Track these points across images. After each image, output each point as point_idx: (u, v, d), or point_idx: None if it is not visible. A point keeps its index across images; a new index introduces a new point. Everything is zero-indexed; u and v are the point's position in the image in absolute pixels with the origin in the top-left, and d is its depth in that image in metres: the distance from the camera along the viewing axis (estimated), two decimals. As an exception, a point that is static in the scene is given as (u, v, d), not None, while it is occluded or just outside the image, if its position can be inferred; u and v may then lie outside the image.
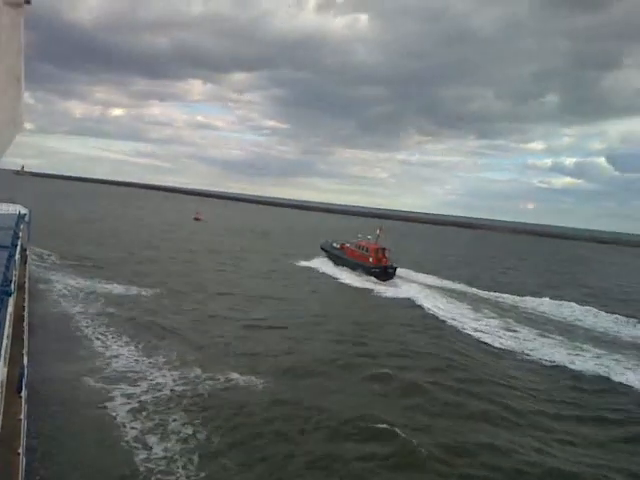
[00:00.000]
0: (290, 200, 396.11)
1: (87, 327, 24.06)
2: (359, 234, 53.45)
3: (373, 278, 45.97)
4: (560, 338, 30.48)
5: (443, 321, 31.81)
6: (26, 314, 18.45)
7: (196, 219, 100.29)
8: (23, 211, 32.99)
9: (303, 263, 53.88)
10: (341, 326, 29.20)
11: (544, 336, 30.63)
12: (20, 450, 9.68)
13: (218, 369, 19.73)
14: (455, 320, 32.28)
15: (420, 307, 35.18)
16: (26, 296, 21.29)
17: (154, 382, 18.24)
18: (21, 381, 11.90)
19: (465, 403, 18.58)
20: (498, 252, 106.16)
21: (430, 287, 44.44)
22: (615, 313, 38.94)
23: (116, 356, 20.76)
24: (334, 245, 56.59)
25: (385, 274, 46.32)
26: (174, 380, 18.48)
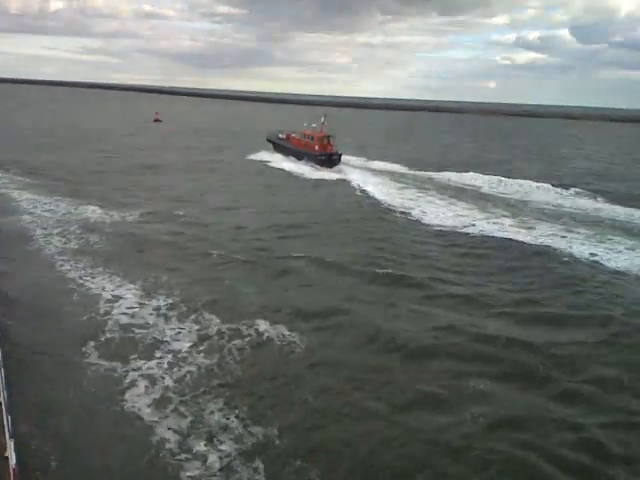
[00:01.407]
0: (247, 92, 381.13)
1: (67, 262, 21.09)
2: (304, 123, 54.22)
3: (318, 165, 47.65)
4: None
5: (375, 199, 36.18)
6: None
7: (155, 120, 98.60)
8: None
9: (251, 157, 54.28)
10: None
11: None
12: (1, 399, 9.55)
13: (236, 315, 16.54)
14: (384, 197, 36.57)
15: (362, 191, 38.71)
16: None
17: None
18: None
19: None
20: (460, 136, 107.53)
21: (375, 172, 47.21)
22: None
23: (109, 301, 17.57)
24: (280, 136, 57.00)
25: (330, 161, 48.06)
26: (194, 344, 14.79)
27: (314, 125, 53.01)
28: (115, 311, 16.69)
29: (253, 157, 53.95)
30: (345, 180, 42.37)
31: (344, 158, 50.40)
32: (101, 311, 16.70)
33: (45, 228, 25.50)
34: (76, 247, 23.04)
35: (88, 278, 19.40)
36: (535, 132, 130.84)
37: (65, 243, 23.50)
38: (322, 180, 42.43)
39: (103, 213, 28.71)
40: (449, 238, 27.26)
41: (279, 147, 56.16)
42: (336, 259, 22.51)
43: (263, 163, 51.44)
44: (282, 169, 47.89)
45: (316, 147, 49.60)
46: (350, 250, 24.21)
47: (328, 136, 50.34)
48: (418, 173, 47.50)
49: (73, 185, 35.95)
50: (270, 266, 21.60)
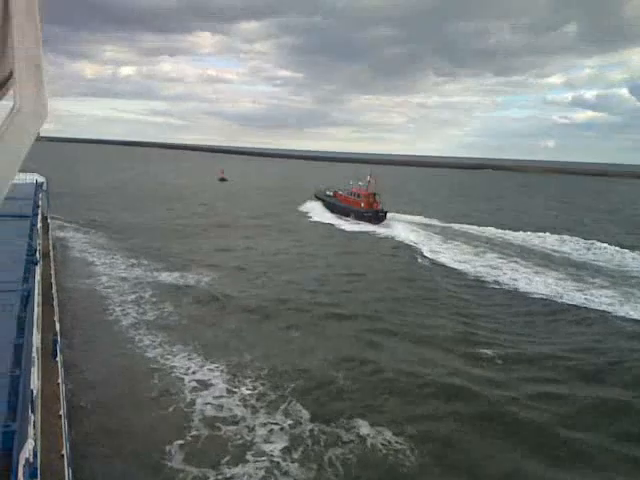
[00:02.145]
0: (305, 151, 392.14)
1: (145, 336, 19.80)
2: (351, 181, 56.82)
3: (365, 222, 49.70)
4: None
5: (418, 251, 37.14)
6: (54, 282, 18.82)
7: (221, 179, 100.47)
8: (40, 179, 33.31)
9: (315, 219, 54.31)
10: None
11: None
12: (61, 412, 9.92)
13: (331, 410, 14.76)
14: (433, 252, 36.91)
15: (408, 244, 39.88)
16: (52, 264, 21.68)
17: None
18: (55, 347, 12.28)
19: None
20: (515, 192, 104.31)
21: (421, 226, 48.86)
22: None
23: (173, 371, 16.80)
24: (327, 193, 60.46)
25: (376, 218, 49.85)
26: (287, 449, 12.82)
27: (360, 183, 55.54)
28: (200, 400, 14.99)
29: (317, 219, 53.91)
30: (401, 240, 42.28)
31: (395, 215, 52.96)
32: (186, 400, 15.05)
33: (121, 295, 24.77)
34: (152, 318, 21.90)
35: (169, 357, 17.98)
36: (598, 190, 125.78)
37: (142, 313, 22.40)
38: (381, 238, 43.05)
39: (178, 276, 28.05)
40: (552, 310, 24.75)
41: (326, 204, 59.13)
42: (432, 335, 20.74)
43: (312, 218, 53.76)
44: (329, 223, 49.90)
45: (362, 204, 51.80)
46: (450, 325, 22.31)
47: (374, 194, 52.14)
48: (479, 232, 46.21)
49: (146, 245, 35.99)
50: (364, 348, 19.53)
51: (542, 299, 26.40)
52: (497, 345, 19.88)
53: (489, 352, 19.10)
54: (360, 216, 50.94)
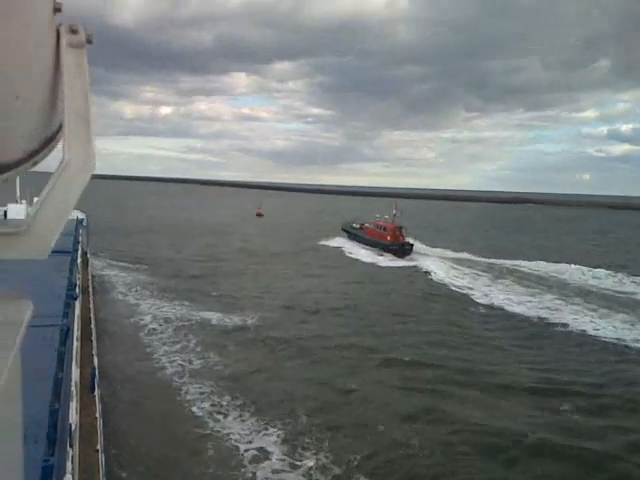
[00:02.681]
0: (336, 187, 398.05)
1: (191, 387, 18.11)
2: (377, 214, 57.30)
3: (391, 255, 49.79)
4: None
5: (449, 287, 36.32)
6: (92, 317, 18.60)
7: (258, 215, 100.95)
8: (81, 216, 34.27)
9: (351, 255, 52.80)
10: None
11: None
12: (98, 447, 9.82)
13: None
14: (464, 288, 35.91)
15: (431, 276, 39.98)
16: (91, 299, 21.64)
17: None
18: (93, 381, 12.17)
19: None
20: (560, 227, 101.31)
21: (447, 259, 47.63)
22: None
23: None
24: (354, 225, 61.23)
25: (402, 251, 49.89)
26: None
27: (386, 216, 56.20)
28: (260, 473, 13.08)
29: (353, 255, 52.70)
30: (427, 272, 41.76)
31: (423, 248, 52.65)
32: (244, 475, 13.10)
33: (162, 333, 23.76)
34: (199, 367, 19.94)
35: (219, 417, 15.91)
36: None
37: (188, 362, 20.34)
38: (420, 274, 41.70)
39: (222, 316, 26.74)
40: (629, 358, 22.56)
41: (353, 236, 60.01)
42: (503, 385, 18.80)
43: (339, 249, 54.60)
44: (375, 263, 48.30)
45: (388, 237, 51.77)
46: (520, 371, 20.46)
47: (400, 227, 52.63)
48: (529, 269, 43.69)
49: (187, 282, 35.38)
50: (432, 399, 17.51)
51: (613, 344, 24.48)
52: (577, 394, 18.14)
53: (571, 401, 17.37)
54: (386, 249, 51.07)
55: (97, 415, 11.05)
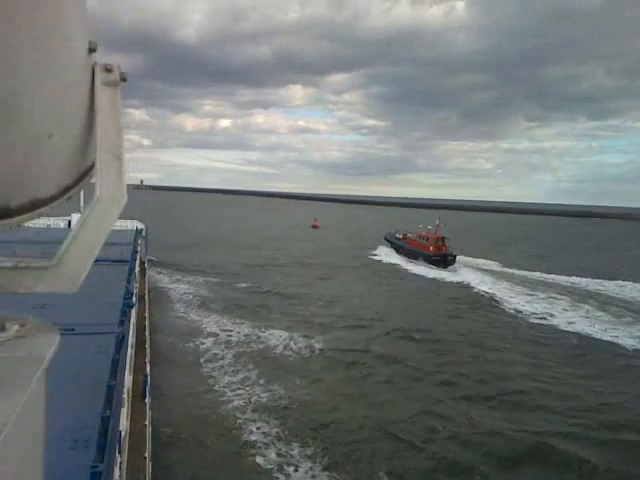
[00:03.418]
0: (391, 198, 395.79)
1: (255, 427, 16.27)
2: (420, 225, 57.22)
3: (433, 265, 49.97)
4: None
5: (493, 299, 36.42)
6: (147, 324, 19.13)
7: (314, 227, 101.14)
8: (140, 226, 35.89)
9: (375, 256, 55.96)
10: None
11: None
12: (146, 454, 10.09)
13: None
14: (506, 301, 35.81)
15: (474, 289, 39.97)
16: (147, 307, 22.32)
17: None
18: (145, 388, 12.48)
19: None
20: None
21: (492, 273, 47.53)
22: None
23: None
24: (397, 236, 61.92)
25: (444, 262, 49.85)
26: None
27: (429, 227, 55.38)
28: None
29: (409, 268, 51.86)
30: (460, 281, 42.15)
31: (470, 260, 53.05)
32: None
33: (224, 369, 21.60)
34: (264, 400, 18.29)
35: (289, 470, 13.96)
36: None
37: (251, 395, 18.69)
38: (475, 291, 40.17)
39: (287, 337, 25.44)
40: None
41: (395, 246, 61.00)
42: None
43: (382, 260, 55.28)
44: (426, 275, 47.91)
45: (431, 248, 51.99)
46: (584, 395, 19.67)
47: (443, 237, 52.71)
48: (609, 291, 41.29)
49: (251, 297, 34.76)
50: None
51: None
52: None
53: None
54: (428, 259, 51.19)
55: (147, 422, 11.35)
